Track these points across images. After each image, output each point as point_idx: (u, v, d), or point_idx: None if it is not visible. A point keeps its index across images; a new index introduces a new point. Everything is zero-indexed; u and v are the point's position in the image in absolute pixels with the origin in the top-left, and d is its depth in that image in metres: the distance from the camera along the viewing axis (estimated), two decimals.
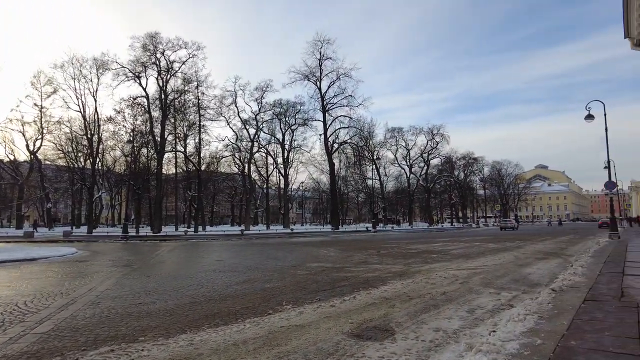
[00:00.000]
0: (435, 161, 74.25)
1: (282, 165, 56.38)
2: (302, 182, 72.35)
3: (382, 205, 67.36)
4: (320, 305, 5.58)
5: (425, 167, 71.86)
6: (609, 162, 20.54)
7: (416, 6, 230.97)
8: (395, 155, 70.05)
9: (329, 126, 51.41)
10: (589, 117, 20.79)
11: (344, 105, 51.20)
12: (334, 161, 57.31)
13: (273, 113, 52.91)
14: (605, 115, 20.78)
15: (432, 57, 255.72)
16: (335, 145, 53.53)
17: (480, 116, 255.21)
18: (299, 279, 8.15)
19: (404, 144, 69.84)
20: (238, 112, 50.56)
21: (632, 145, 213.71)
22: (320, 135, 52.19)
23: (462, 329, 4.35)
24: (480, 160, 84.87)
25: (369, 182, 68.23)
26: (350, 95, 50.06)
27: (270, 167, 59.94)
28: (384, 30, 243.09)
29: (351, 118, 51.79)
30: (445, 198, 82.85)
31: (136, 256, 14.85)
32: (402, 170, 72.86)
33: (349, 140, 54.75)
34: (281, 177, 58.85)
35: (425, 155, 70.43)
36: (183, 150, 48.81)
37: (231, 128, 51.39)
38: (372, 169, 66.59)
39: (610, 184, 19.82)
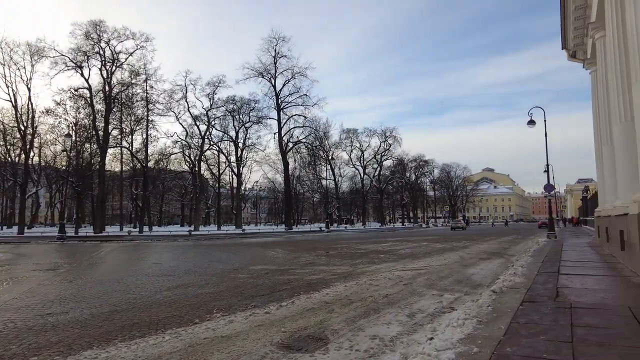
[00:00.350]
0: (388, 163, 75.99)
1: (235, 164, 54.99)
2: (257, 182, 71.21)
3: (336, 206, 67.75)
4: (254, 313, 5.16)
5: (379, 169, 73.19)
6: (548, 166, 21.65)
7: (374, 12, 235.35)
8: (350, 156, 71.02)
9: (284, 125, 50.77)
10: (531, 122, 21.83)
11: (298, 104, 50.78)
12: (289, 161, 56.81)
13: (226, 110, 51.45)
14: (545, 121, 21.92)
15: (388, 61, 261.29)
16: (290, 145, 52.91)
17: (432, 120, 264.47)
18: (238, 283, 7.67)
19: (358, 145, 70.89)
20: (188, 107, 48.72)
21: (569, 151, 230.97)
22: (274, 133, 51.43)
23: (400, 336, 4.11)
24: (431, 162, 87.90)
25: (324, 182, 68.60)
26: (305, 95, 49.70)
27: (223, 166, 58.33)
28: (341, 34, 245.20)
29: (306, 117, 51.38)
30: (398, 199, 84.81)
31: (67, 259, 13.65)
32: (357, 171, 73.84)
33: (303, 140, 54.36)
34: (234, 176, 57.49)
35: (378, 156, 71.75)
36: (129, 146, 46.32)
37: (181, 124, 49.45)
38: (327, 169, 66.96)
39: (549, 187, 20.88)
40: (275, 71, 49.21)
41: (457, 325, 4.02)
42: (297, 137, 53.91)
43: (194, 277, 8.55)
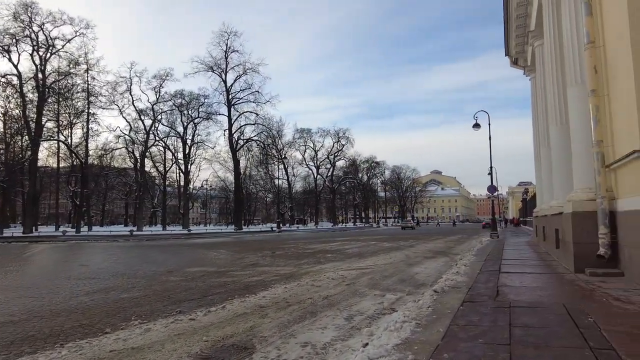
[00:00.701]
0: (341, 163, 76.69)
1: (182, 161, 52.79)
2: (206, 180, 68.98)
3: (289, 205, 67.21)
4: (177, 320, 4.62)
5: (331, 169, 73.58)
6: (491, 168, 22.51)
7: (329, 14, 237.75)
8: (303, 156, 70.86)
9: (234, 121, 49.34)
10: (476, 126, 22.59)
11: (250, 101, 49.60)
12: (240, 159, 55.55)
13: (173, 104, 49.30)
14: (489, 125, 22.79)
15: (341, 64, 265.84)
16: (241, 142, 51.53)
17: (384, 123, 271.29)
18: (169, 287, 7.04)
19: (312, 145, 70.90)
20: (133, 100, 46.12)
21: (510, 155, 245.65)
22: (224, 130, 49.86)
23: (334, 342, 3.78)
24: (382, 164, 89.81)
25: (277, 181, 67.87)
26: (257, 92, 48.65)
27: (170, 163, 55.82)
28: (296, 35, 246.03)
29: (257, 114, 50.17)
30: (350, 199, 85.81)
31: None
32: (310, 171, 73.78)
33: (255, 138, 53.06)
34: (181, 174, 55.20)
35: (331, 157, 72.18)
36: (67, 140, 43.15)
37: (125, 118, 46.75)
38: (280, 168, 66.31)
39: (492, 189, 21.70)
40: (227, 66, 47.88)
41: (395, 329, 3.75)
42: (249, 134, 52.78)
43: (121, 280, 7.79)
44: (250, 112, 49.73)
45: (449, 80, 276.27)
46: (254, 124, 50.68)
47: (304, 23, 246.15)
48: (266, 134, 53.29)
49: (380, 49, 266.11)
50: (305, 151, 70.86)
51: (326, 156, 72.17)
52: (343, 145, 71.26)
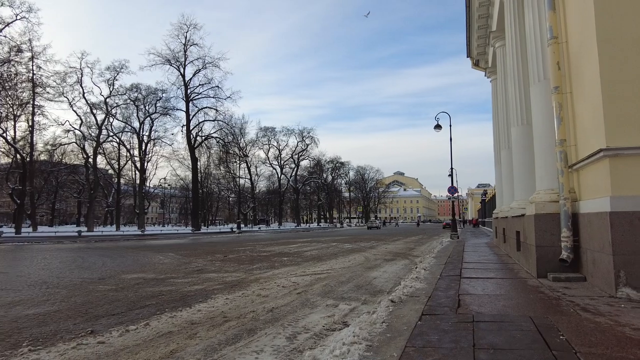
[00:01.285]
0: (305, 164, 76.12)
1: (138, 158, 50.30)
2: (164, 179, 66.44)
3: (251, 205, 65.81)
4: (81, 344, 3.80)
5: (296, 168, 72.83)
6: (452, 169, 22.59)
7: (294, 14, 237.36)
8: (267, 155, 69.63)
9: (193, 117, 47.51)
10: (437, 127, 22.67)
11: (210, 97, 47.89)
12: (200, 157, 53.71)
13: (129, 98, 46.85)
14: (450, 126, 22.90)
15: (308, 64, 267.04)
16: (200, 139, 49.68)
17: (349, 124, 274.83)
18: (92, 298, 6.11)
19: (276, 144, 69.85)
20: (83, 92, 43.37)
21: (470, 158, 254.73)
22: (182, 126, 47.91)
23: None
24: (347, 164, 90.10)
25: (241, 181, 66.29)
26: (217, 87, 47.07)
27: (125, 160, 53.08)
28: (260, 33, 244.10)
29: (217, 110, 48.47)
30: (315, 199, 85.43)
31: None
32: (274, 171, 72.68)
33: (214, 135, 51.17)
34: (137, 172, 52.63)
35: (295, 156, 71.42)
36: (8, 133, 39.91)
37: (75, 111, 43.89)
38: (243, 167, 64.82)
39: (452, 189, 21.77)
40: (185, 59, 46.02)
41: (341, 355, 3.15)
42: (208, 131, 50.90)
43: (37, 291, 6.75)
44: (210, 107, 48.19)
45: (413, 84, 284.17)
46: (213, 120, 49.15)
47: (268, 21, 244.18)
48: (226, 131, 51.69)
49: (346, 51, 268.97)
50: (269, 150, 69.85)
51: (290, 155, 71.39)
52: (307, 145, 70.84)
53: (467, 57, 19.68)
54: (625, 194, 4.91)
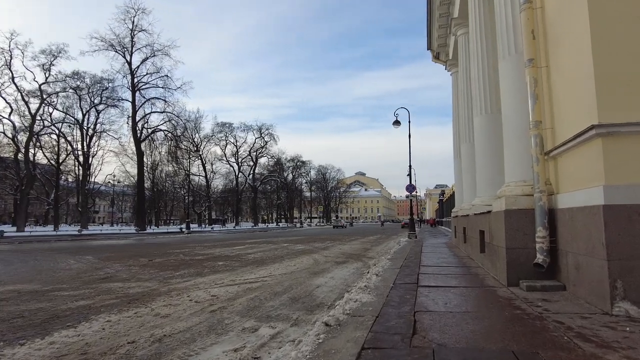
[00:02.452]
0: (265, 162, 73.99)
1: (81, 152, 46.47)
2: (113, 175, 62.16)
3: (206, 204, 62.99)
4: None
5: (254, 166, 70.56)
6: (410, 167, 21.81)
7: (258, 12, 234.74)
8: (224, 152, 66.84)
9: (139, 108, 43.95)
10: (396, 123, 21.94)
11: (159, 87, 44.56)
12: (153, 152, 50.59)
13: (69, 86, 43.05)
14: (409, 122, 22.18)
15: (272, 63, 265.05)
16: (146, 132, 46.05)
17: (313, 125, 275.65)
18: None
19: (233, 140, 67.31)
20: (13, 77, 39.16)
21: (429, 161, 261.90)
22: (128, 117, 44.47)
23: None
24: (308, 163, 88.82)
25: (197, 178, 63.25)
26: (167, 76, 43.90)
27: (66, 154, 48.73)
28: (225, 31, 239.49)
29: (166, 101, 44.98)
30: (275, 198, 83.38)
31: None
32: (231, 168, 69.97)
33: (162, 127, 47.24)
34: (80, 167, 48.63)
35: (254, 153, 69.24)
36: None
37: (4, 98, 39.69)
38: (198, 164, 61.93)
39: (410, 187, 20.98)
40: (132, 46, 42.69)
41: None
42: (157, 123, 47.32)
43: None
44: (158, 98, 44.73)
45: (376, 86, 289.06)
46: (162, 112, 45.68)
47: (232, 19, 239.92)
48: (175, 124, 47.85)
49: (311, 52, 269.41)
50: (226, 147, 67.01)
51: (248, 153, 69.02)
52: (266, 142, 68.79)
53: (428, 49, 18.93)
54: (623, 182, 3.87)
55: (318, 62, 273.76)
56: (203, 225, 61.01)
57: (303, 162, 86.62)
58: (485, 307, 4.29)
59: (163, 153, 53.07)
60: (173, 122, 46.71)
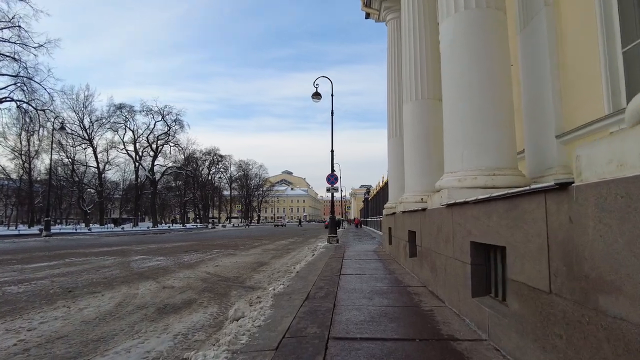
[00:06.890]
0: (175, 153, 65.44)
1: None
2: None
3: (97, 200, 54.01)
4: None
5: (155, 155, 61.19)
6: (332, 151, 17.92)
7: (179, 2, 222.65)
8: (122, 139, 57.06)
9: None
10: (316, 95, 18.21)
11: (8, 41, 32.46)
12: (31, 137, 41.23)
13: None
14: (332, 95, 18.34)
15: (194, 56, 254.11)
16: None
17: (239, 122, 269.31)
18: None
19: (133, 126, 58.03)
20: None
21: (354, 164, 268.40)
22: None
23: None
24: (228, 158, 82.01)
25: (83, 168, 53.43)
26: (19, 26, 31.91)
27: None
28: (143, 19, 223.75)
29: (17, 60, 33.25)
30: (190, 196, 74.70)
31: None
32: (130, 159, 60.12)
33: (15, 98, 35.38)
34: None
35: (155, 140, 60.11)
36: None
37: None
38: (88, 153, 52.74)
39: (332, 177, 17.09)
40: None
41: None
42: (6, 93, 34.98)
43: None
44: (7, 55, 32.94)
45: (303, 88, 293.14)
46: (15, 76, 34.43)
47: (150, 6, 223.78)
48: (28, 90, 35.42)
49: (236, 49, 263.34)
50: (125, 134, 57.41)
51: (154, 140, 59.72)
52: (170, 128, 59.74)
53: None
54: None
55: (243, 59, 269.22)
56: (108, 226, 52.23)
57: (221, 157, 79.38)
58: None
59: (45, 135, 42.52)
60: (25, 89, 35.44)
